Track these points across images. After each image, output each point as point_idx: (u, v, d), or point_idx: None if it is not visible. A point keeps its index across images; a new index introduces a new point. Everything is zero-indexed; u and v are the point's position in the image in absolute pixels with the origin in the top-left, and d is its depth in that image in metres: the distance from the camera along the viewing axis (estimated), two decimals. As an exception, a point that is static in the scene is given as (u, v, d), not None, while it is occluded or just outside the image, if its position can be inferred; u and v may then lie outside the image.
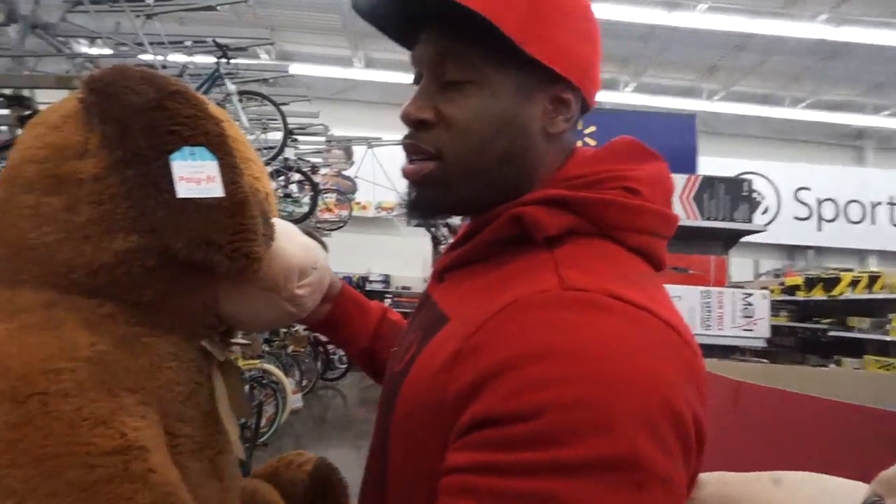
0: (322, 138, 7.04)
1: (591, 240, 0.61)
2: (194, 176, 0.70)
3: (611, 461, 0.46)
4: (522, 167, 0.65)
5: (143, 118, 0.69)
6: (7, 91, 2.80)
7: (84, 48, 3.83)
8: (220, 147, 0.72)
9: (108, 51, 4.28)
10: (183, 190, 0.69)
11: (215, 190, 0.70)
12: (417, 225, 7.65)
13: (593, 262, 0.59)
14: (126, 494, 0.59)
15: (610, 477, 0.46)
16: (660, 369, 0.51)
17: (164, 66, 3.69)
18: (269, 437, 4.81)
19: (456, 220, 6.28)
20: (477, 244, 0.65)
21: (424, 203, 0.69)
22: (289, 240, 0.82)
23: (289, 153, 5.38)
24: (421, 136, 0.66)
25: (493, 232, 0.63)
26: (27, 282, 0.71)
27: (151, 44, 3.65)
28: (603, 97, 8.93)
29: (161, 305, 0.73)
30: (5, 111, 3.12)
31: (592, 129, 2.83)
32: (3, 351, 0.62)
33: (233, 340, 0.89)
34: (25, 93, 2.90)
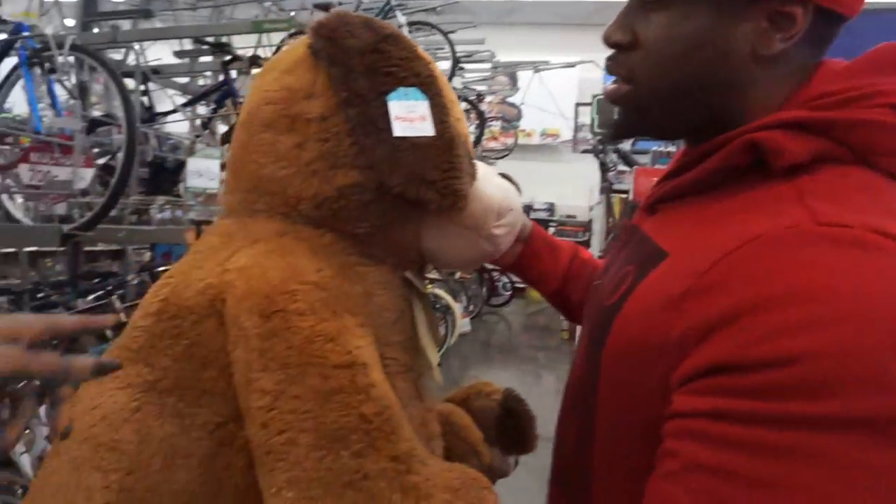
0: (488, 65, 6.95)
1: (844, 168, 0.53)
2: (408, 115, 0.75)
3: (879, 420, 0.42)
4: (725, 96, 0.59)
5: (363, 60, 0.75)
6: (210, 39, 3.11)
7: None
8: (430, 87, 0.76)
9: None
10: (399, 129, 0.74)
11: (427, 129, 0.75)
12: (584, 151, 7.37)
13: (850, 193, 0.51)
14: (353, 404, 0.64)
15: (878, 438, 0.42)
16: None
17: (339, 3, 3.84)
18: (440, 358, 5.12)
19: (627, 146, 5.94)
20: (701, 173, 0.59)
21: (622, 124, 0.68)
22: (488, 180, 0.84)
23: (455, 82, 5.40)
24: (617, 58, 0.64)
25: (722, 159, 0.57)
26: (262, 212, 0.80)
27: (326, -20, 3.80)
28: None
29: (373, 238, 0.79)
30: (208, 58, 3.49)
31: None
32: (248, 273, 0.70)
33: (427, 276, 0.94)
34: (224, 40, 3.20)
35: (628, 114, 0.67)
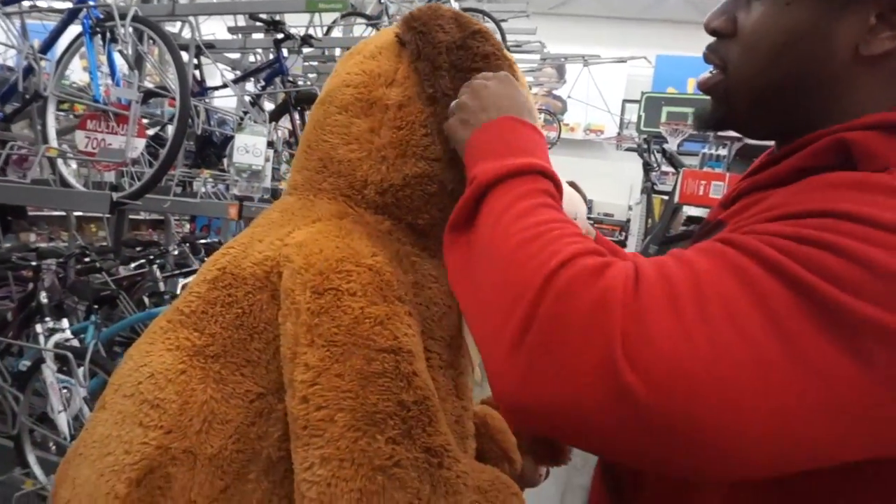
0: (537, 56, 6.87)
1: None
2: None
3: None
4: (821, 98, 0.56)
5: (449, 56, 0.76)
6: (264, 16, 3.14)
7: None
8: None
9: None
10: None
11: None
12: (628, 149, 7.25)
13: None
14: (394, 389, 0.65)
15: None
16: None
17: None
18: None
19: (672, 146, 5.81)
20: (784, 169, 0.56)
21: (708, 115, 0.65)
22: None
23: (502, 72, 5.34)
24: (714, 46, 0.62)
25: (808, 158, 0.54)
26: (326, 191, 0.81)
27: (381, -36, 3.80)
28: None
29: (430, 230, 0.80)
30: (260, 35, 3.53)
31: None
32: (307, 250, 0.71)
33: None
34: (278, 18, 3.23)
35: (717, 104, 0.64)
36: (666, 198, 6.14)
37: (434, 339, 0.78)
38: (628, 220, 8.67)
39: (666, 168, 5.91)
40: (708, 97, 0.65)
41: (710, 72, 0.63)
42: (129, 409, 0.72)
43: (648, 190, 5.85)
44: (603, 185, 9.47)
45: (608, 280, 0.45)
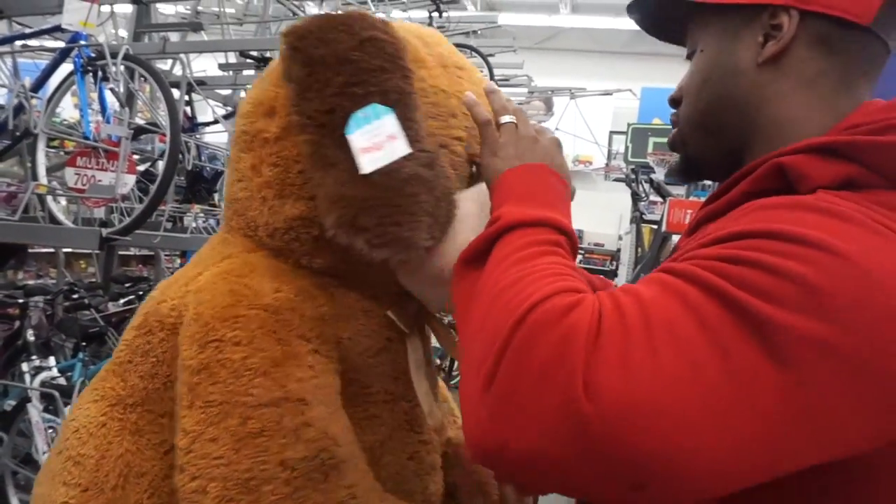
0: (524, 89, 6.99)
1: (876, 193, 0.53)
2: (374, 142, 0.63)
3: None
4: (736, 102, 0.65)
5: (326, 74, 0.64)
6: (254, 53, 3.19)
7: (314, 9, 4.21)
8: (397, 107, 0.65)
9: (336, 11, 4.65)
10: (367, 163, 0.63)
11: (398, 149, 0.64)
12: (616, 179, 7.33)
13: (858, 199, 0.52)
14: (274, 449, 0.59)
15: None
16: None
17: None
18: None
19: (660, 176, 5.88)
20: (734, 195, 0.61)
21: (676, 165, 0.75)
22: (468, 225, 0.71)
23: (490, 105, 5.43)
24: (674, 113, 0.74)
25: (753, 183, 0.59)
26: (234, 228, 0.76)
27: (374, 2, 3.89)
28: None
29: (340, 268, 0.72)
30: (251, 72, 3.57)
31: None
32: (200, 297, 0.67)
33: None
34: (268, 54, 3.28)
35: (678, 150, 0.74)
36: (655, 227, 6.19)
37: (375, 373, 0.73)
38: (618, 250, 8.71)
39: (654, 198, 5.97)
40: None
41: (672, 132, 0.74)
42: (56, 466, 0.69)
43: (637, 219, 5.90)
44: (593, 215, 9.54)
45: (575, 316, 0.47)
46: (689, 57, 0.71)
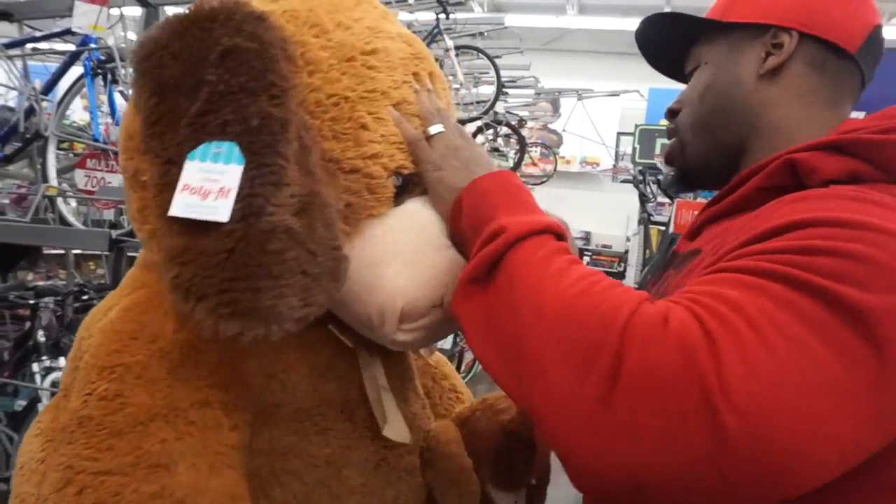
0: (531, 91, 6.98)
1: (876, 188, 0.57)
2: (204, 186, 0.51)
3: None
4: (739, 108, 0.72)
5: (175, 101, 0.53)
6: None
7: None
8: (260, 136, 0.52)
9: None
10: (180, 205, 0.51)
11: (221, 211, 0.50)
12: (624, 181, 7.31)
13: (869, 192, 0.56)
14: None
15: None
16: None
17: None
18: (467, 382, 5.06)
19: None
20: (746, 191, 0.66)
21: (675, 175, 0.80)
22: (405, 266, 0.63)
23: (498, 107, 5.44)
24: (670, 123, 0.80)
25: (766, 178, 0.64)
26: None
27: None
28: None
29: None
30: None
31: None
32: (95, 340, 0.62)
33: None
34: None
35: (676, 160, 0.79)
36: (663, 228, 6.16)
37: (321, 391, 0.68)
38: (626, 252, 8.68)
39: (662, 199, 5.95)
40: None
41: (670, 143, 0.80)
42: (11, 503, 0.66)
43: (645, 221, 5.88)
44: (600, 216, 9.51)
45: (675, 325, 0.47)
46: (689, 76, 0.78)
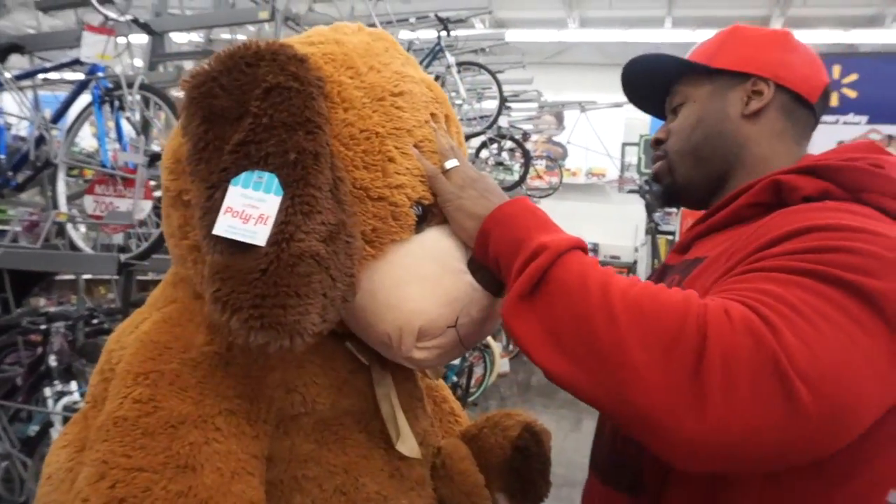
0: (535, 104, 7.02)
1: (845, 203, 0.69)
2: (245, 210, 0.57)
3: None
4: (725, 141, 0.85)
5: (222, 130, 0.58)
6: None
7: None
8: (295, 174, 0.58)
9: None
10: (223, 226, 0.57)
11: (260, 235, 0.57)
12: (630, 191, 7.32)
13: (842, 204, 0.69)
14: None
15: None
16: None
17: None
18: (477, 398, 5.04)
19: (674, 187, 5.86)
20: (735, 208, 0.78)
21: (663, 191, 0.91)
22: (424, 288, 0.68)
23: (502, 121, 5.47)
24: (657, 149, 0.92)
25: (753, 196, 0.76)
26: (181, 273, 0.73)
27: (381, 24, 3.94)
28: (862, 37, 7.59)
29: None
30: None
31: (853, 77, 2.38)
32: (130, 349, 0.66)
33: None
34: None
35: (664, 178, 0.90)
36: (670, 237, 6.14)
37: (340, 404, 0.71)
38: (635, 262, 8.65)
39: (669, 208, 5.94)
40: None
41: (656, 165, 0.91)
42: None
43: (652, 230, 5.87)
44: (608, 227, 9.51)
45: (737, 313, 0.55)
46: (674, 111, 0.90)
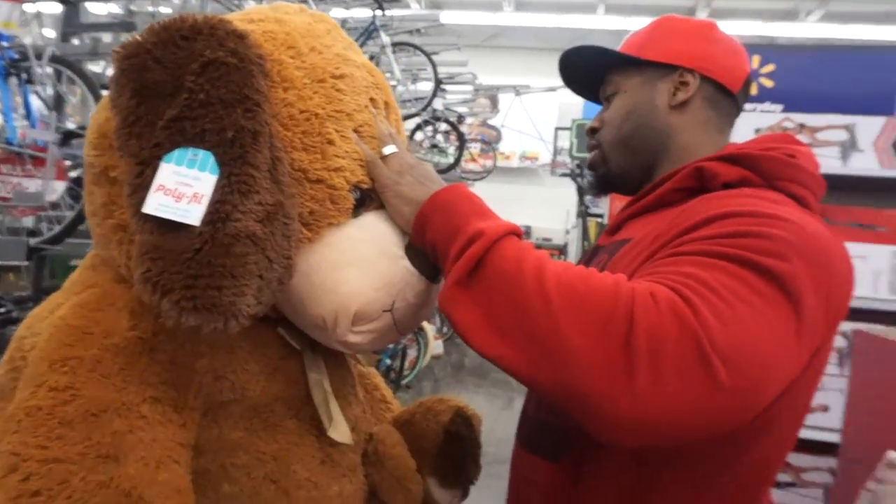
0: (469, 87, 7.03)
1: (761, 190, 0.75)
2: (178, 189, 0.55)
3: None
4: (655, 131, 0.89)
5: (155, 104, 0.56)
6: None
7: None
8: (234, 151, 0.57)
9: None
10: (153, 204, 0.55)
11: (193, 214, 0.55)
12: (562, 175, 7.47)
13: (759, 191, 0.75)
14: None
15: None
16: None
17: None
18: (411, 380, 5.07)
19: (604, 171, 6.03)
20: (661, 193, 0.83)
21: (597, 180, 0.95)
22: (361, 271, 0.68)
23: (437, 103, 5.44)
24: (593, 138, 0.95)
25: (678, 182, 0.81)
26: (102, 255, 0.70)
27: (315, 1, 3.83)
28: (779, 30, 8.01)
29: None
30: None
31: (770, 67, 2.50)
32: (50, 334, 0.62)
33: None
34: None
35: (599, 168, 0.94)
36: (600, 220, 6.32)
37: (270, 390, 0.70)
38: (566, 244, 8.88)
39: (603, 196, 6.12)
40: None
41: (591, 154, 0.95)
42: None
43: (583, 213, 6.03)
44: (541, 210, 9.69)
45: (662, 296, 0.59)
46: (607, 99, 0.94)
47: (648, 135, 0.89)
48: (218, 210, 0.56)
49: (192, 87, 0.56)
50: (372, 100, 0.75)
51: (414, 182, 0.72)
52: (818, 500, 2.11)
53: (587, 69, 0.96)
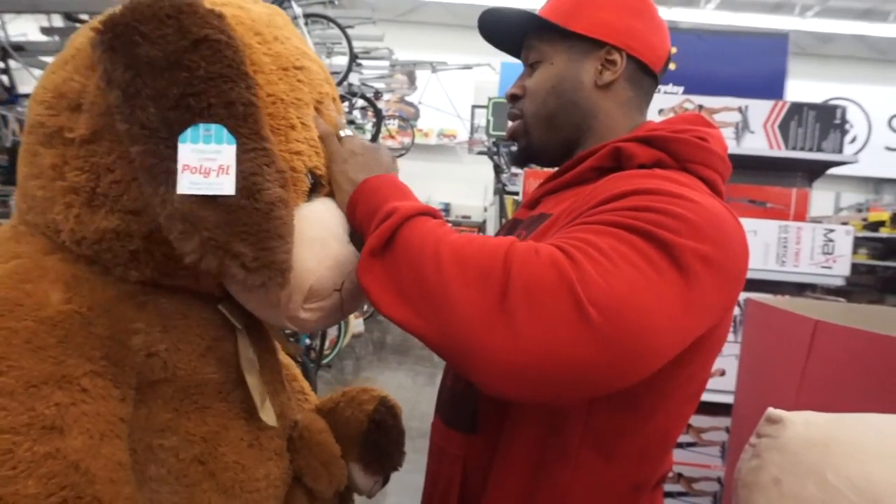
0: (386, 63, 6.92)
1: (672, 171, 0.78)
2: (203, 165, 0.58)
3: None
4: (579, 110, 0.90)
5: (154, 80, 0.57)
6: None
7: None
8: (246, 123, 0.60)
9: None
10: (185, 184, 0.58)
11: (226, 185, 0.59)
12: (480, 153, 7.55)
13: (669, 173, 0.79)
14: (7, 474, 0.53)
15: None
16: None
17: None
18: (332, 359, 5.03)
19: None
20: (580, 170, 0.85)
21: (519, 152, 0.95)
22: (314, 251, 0.71)
23: (353, 78, 5.33)
24: (513, 106, 0.94)
25: (596, 160, 0.83)
26: (30, 224, 0.69)
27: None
28: (681, 16, 8.39)
29: (160, 280, 0.68)
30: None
31: (673, 51, 2.63)
32: None
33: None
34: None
35: (520, 140, 0.94)
36: (517, 197, 6.45)
37: (201, 371, 0.70)
38: (484, 221, 9.01)
39: (516, 170, 6.23)
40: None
41: (512, 123, 0.94)
42: None
43: (500, 191, 6.13)
44: (459, 188, 9.77)
45: (545, 252, 0.62)
46: (531, 65, 0.92)
47: (573, 112, 0.89)
48: (254, 183, 0.60)
49: (189, 64, 0.58)
50: (325, 93, 0.79)
51: (361, 164, 0.77)
52: (716, 457, 2.29)
53: (509, 29, 0.94)
